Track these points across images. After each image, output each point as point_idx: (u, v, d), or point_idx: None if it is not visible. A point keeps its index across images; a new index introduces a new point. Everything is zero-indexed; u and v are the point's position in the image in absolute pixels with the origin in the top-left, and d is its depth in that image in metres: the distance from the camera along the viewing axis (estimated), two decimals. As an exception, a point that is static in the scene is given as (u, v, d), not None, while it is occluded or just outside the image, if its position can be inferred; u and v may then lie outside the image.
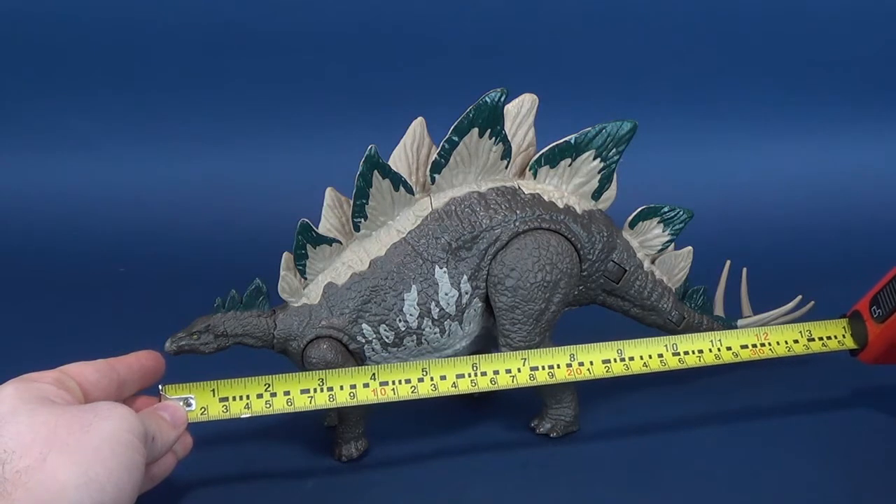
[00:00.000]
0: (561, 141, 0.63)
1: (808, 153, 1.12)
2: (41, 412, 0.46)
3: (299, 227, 0.60)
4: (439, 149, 0.60)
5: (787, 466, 0.62)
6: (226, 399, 0.57)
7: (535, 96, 0.62)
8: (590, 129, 0.63)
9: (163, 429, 0.52)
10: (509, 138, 0.62)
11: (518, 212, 0.62)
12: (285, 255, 0.61)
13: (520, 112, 0.62)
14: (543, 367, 0.61)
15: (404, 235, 0.61)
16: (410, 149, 0.61)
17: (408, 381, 0.60)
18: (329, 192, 0.61)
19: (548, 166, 0.63)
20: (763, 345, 0.65)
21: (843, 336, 0.67)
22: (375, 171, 0.59)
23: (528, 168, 0.64)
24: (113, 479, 0.45)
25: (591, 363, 0.62)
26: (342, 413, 0.63)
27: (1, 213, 1.09)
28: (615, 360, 0.62)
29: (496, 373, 0.61)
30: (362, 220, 0.61)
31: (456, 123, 0.60)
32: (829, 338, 0.66)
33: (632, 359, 0.62)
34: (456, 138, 0.60)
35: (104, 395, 0.53)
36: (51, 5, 1.11)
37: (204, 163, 1.13)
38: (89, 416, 0.46)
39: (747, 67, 1.12)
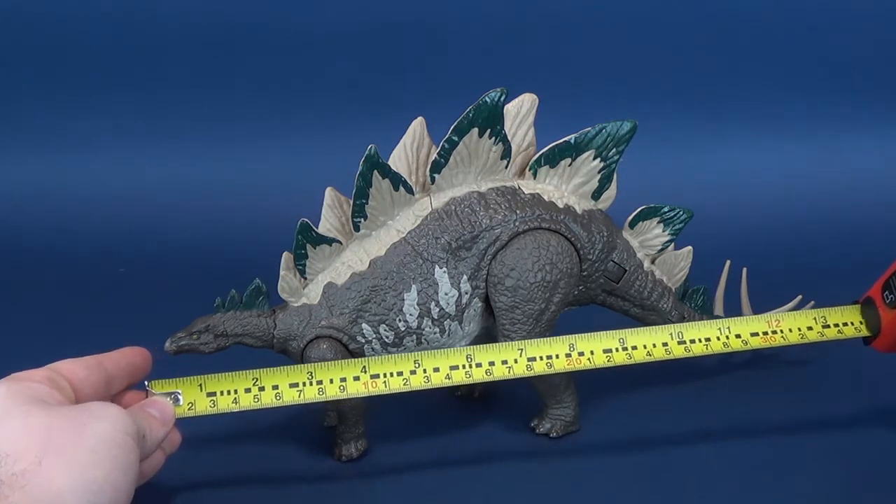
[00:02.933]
0: (561, 141, 0.63)
1: (809, 153, 1.12)
2: (34, 414, 0.45)
3: (299, 227, 0.60)
4: (439, 149, 0.60)
5: (787, 468, 0.62)
6: (213, 394, 0.56)
7: (535, 96, 0.62)
8: (590, 129, 0.63)
9: (152, 425, 0.52)
10: (509, 138, 0.62)
11: (518, 212, 0.62)
12: (285, 254, 0.61)
13: (520, 112, 0.62)
14: (541, 358, 0.60)
15: (404, 235, 0.61)
16: (410, 149, 0.61)
17: (399, 374, 0.58)
18: (329, 192, 0.61)
19: (548, 166, 0.63)
20: (775, 332, 0.62)
21: (861, 322, 0.63)
22: (375, 171, 0.59)
23: (528, 168, 0.64)
24: (109, 481, 0.44)
25: (592, 353, 0.60)
26: (342, 413, 0.63)
27: (1, 212, 1.09)
28: (617, 350, 0.60)
29: (492, 364, 0.59)
30: (362, 219, 0.61)
31: (456, 123, 0.60)
32: (844, 324, 0.63)
33: (634, 348, 0.60)
34: (456, 138, 0.60)
35: (94, 392, 0.52)
36: (51, 5, 1.11)
37: (204, 163, 1.13)
38: (83, 418, 0.46)
39: (747, 68, 1.12)
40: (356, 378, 0.58)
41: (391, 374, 0.58)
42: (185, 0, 1.11)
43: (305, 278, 0.62)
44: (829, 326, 0.63)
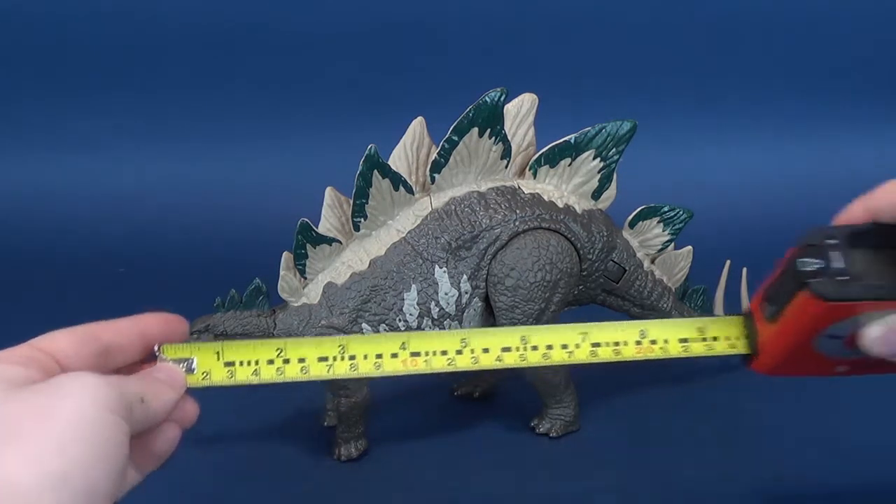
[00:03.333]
0: (561, 141, 0.63)
1: (808, 153, 1.12)
2: (6, 401, 0.38)
3: (299, 227, 0.60)
4: (439, 148, 0.60)
5: (786, 467, 0.62)
6: (231, 364, 0.50)
7: (535, 96, 0.62)
8: (590, 128, 0.63)
9: (158, 390, 0.44)
10: (509, 138, 0.62)
11: (518, 211, 0.62)
12: (285, 254, 0.61)
13: (520, 112, 0.62)
14: (608, 344, 0.52)
15: (404, 235, 0.61)
16: (410, 148, 0.61)
17: (444, 353, 0.51)
18: (329, 192, 0.61)
19: (547, 166, 0.63)
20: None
21: (745, 338, 0.52)
22: (375, 171, 0.59)
23: (527, 168, 0.64)
24: (81, 469, 0.37)
25: (667, 341, 0.52)
26: (341, 413, 0.63)
27: (1, 212, 1.09)
28: (695, 340, 0.51)
29: (549, 347, 0.52)
30: (362, 219, 0.61)
31: (456, 123, 0.60)
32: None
33: (715, 339, 0.52)
34: (456, 138, 0.60)
35: (83, 366, 0.45)
36: (51, 5, 1.11)
37: (204, 163, 1.13)
38: (47, 396, 0.39)
39: (748, 68, 1.12)
40: (394, 355, 0.51)
41: (434, 353, 0.51)
42: (185, 0, 1.11)
43: (305, 278, 0.62)
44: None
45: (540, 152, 0.63)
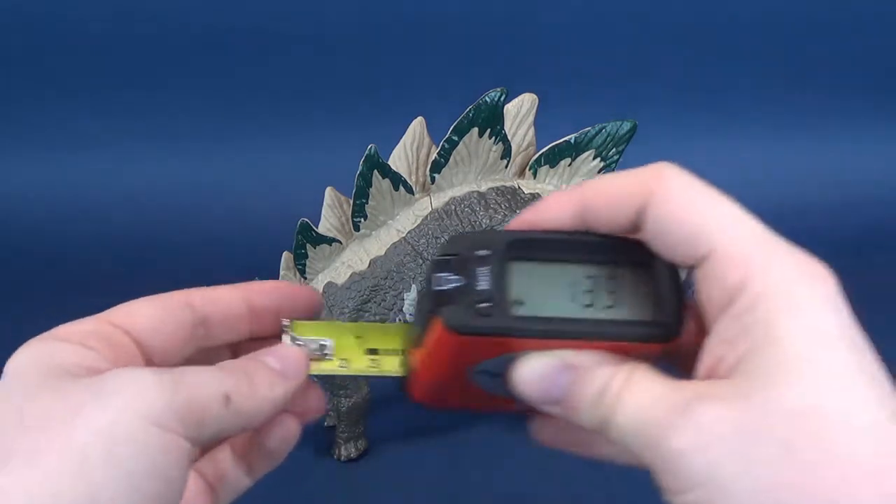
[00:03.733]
0: (561, 141, 0.63)
1: (810, 153, 1.12)
2: (39, 394, 0.29)
3: (299, 227, 0.60)
4: (439, 148, 0.60)
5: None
6: (375, 352, 0.40)
7: (535, 96, 0.62)
8: (590, 128, 0.63)
9: (255, 384, 0.33)
10: (509, 138, 0.62)
11: (518, 211, 0.62)
12: (285, 254, 0.61)
13: (520, 112, 0.62)
14: None
15: (404, 235, 0.61)
16: (410, 148, 0.61)
17: None
18: (329, 192, 0.61)
19: (548, 166, 0.63)
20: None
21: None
22: (375, 171, 0.59)
23: (528, 168, 0.64)
24: (104, 499, 0.27)
25: None
26: (341, 413, 0.62)
27: (1, 212, 1.09)
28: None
29: None
30: (362, 219, 0.61)
31: (456, 123, 0.60)
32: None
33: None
34: (456, 138, 0.60)
35: (171, 343, 0.35)
36: (51, 5, 1.11)
37: (204, 163, 1.13)
38: (80, 400, 0.29)
39: (748, 67, 1.12)
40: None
41: None
42: (185, 0, 1.11)
43: (305, 278, 0.62)
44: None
45: (540, 152, 0.63)
